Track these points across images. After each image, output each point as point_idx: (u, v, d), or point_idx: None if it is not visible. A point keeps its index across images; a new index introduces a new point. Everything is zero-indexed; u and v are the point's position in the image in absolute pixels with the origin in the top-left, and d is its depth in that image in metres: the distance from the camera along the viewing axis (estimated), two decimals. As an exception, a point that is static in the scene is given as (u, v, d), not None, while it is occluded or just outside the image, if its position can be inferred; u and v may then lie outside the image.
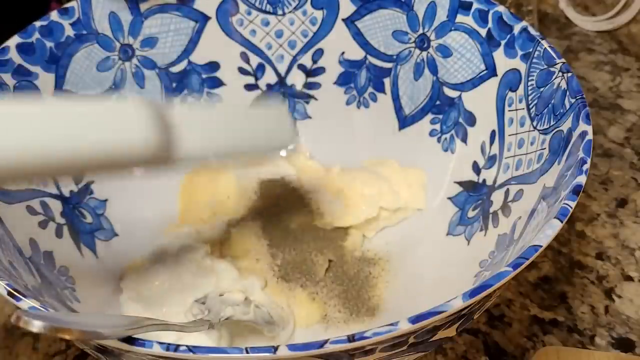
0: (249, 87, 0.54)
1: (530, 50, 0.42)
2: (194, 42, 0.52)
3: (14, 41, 0.44)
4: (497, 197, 0.43)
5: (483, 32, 0.45)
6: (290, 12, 0.52)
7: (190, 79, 0.52)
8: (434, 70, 0.49)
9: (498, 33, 0.44)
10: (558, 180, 0.36)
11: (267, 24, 0.52)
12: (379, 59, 0.51)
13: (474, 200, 0.46)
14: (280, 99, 0.49)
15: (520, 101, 0.43)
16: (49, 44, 0.46)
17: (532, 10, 0.66)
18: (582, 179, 0.33)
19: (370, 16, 0.50)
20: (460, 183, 0.47)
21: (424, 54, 0.49)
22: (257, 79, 0.54)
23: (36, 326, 0.25)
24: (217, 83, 0.53)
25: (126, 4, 0.49)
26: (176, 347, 0.28)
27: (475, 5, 0.46)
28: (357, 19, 0.51)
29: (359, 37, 0.51)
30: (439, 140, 0.49)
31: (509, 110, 0.44)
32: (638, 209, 0.53)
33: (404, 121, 0.51)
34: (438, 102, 0.49)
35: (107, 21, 0.49)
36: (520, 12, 0.65)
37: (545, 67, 0.41)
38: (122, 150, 0.29)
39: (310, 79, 0.54)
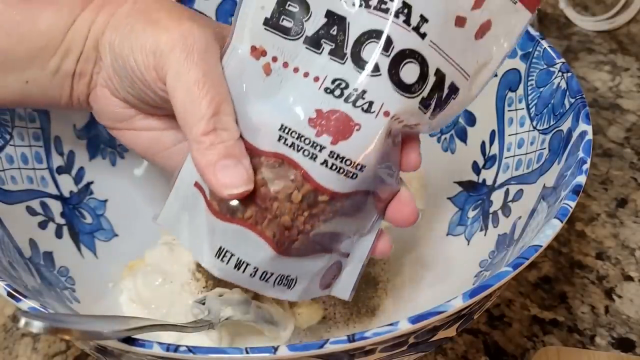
0: (249, 87, 0.54)
1: (530, 50, 0.42)
2: (193, 42, 0.51)
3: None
4: (497, 197, 0.43)
5: (483, 32, 0.45)
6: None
7: (190, 79, 0.52)
8: (433, 70, 0.49)
9: (498, 33, 0.44)
10: (558, 180, 0.36)
11: (267, 24, 0.52)
12: (379, 59, 0.51)
13: (474, 200, 0.46)
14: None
15: (520, 101, 0.43)
16: (49, 44, 0.46)
17: (532, 10, 0.66)
18: (582, 179, 0.33)
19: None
20: (460, 183, 0.47)
21: (424, 54, 0.49)
22: (257, 79, 0.53)
23: (36, 326, 0.25)
24: (217, 83, 0.53)
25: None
26: (176, 348, 0.28)
27: (475, 5, 0.45)
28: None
29: (359, 37, 0.51)
30: (438, 140, 0.49)
31: (509, 110, 0.44)
32: (638, 209, 0.53)
33: (404, 121, 0.51)
34: (438, 102, 0.49)
35: (107, 21, 0.48)
36: (520, 12, 0.65)
37: (545, 67, 0.41)
38: None
39: (310, 79, 0.53)
